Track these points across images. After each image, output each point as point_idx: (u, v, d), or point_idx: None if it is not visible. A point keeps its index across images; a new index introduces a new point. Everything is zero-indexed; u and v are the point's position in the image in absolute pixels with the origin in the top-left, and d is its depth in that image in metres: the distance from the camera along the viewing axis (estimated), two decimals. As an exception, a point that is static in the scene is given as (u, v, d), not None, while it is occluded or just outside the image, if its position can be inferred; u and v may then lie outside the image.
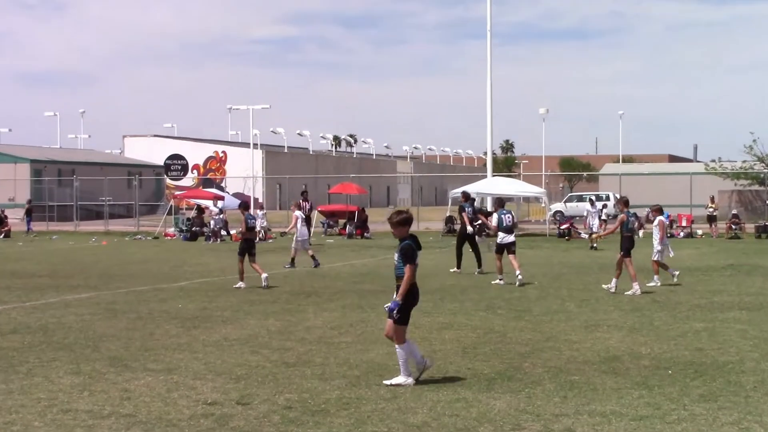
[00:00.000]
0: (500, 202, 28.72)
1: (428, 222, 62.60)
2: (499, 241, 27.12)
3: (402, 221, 13.06)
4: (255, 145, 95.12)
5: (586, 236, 47.09)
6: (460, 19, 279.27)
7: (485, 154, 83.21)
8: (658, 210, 26.52)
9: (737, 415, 11.18)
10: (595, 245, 40.73)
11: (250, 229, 26.65)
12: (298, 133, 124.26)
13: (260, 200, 77.74)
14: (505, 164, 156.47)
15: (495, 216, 27.60)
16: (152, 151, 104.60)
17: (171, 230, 58.26)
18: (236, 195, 72.43)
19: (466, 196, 32.77)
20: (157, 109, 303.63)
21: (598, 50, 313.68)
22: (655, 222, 26.24)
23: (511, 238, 26.78)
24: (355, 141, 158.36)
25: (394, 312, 12.66)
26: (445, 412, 11.42)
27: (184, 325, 18.81)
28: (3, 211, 62.65)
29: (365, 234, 54.11)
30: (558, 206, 74.38)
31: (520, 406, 11.73)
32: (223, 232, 53.63)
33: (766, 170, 69.69)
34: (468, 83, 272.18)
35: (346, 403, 11.88)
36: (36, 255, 41.91)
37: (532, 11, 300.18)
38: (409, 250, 12.88)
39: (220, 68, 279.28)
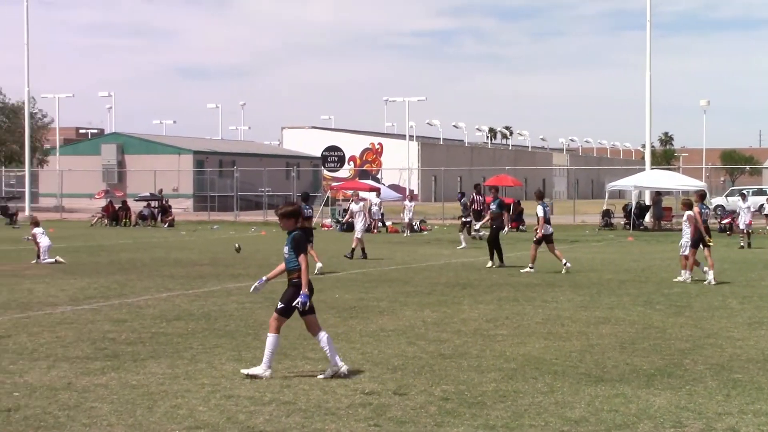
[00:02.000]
0: (540, 194, 29.77)
1: (584, 215, 62.17)
2: (544, 232, 28.02)
3: (287, 213, 12.84)
4: (411, 137, 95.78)
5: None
6: (619, 10, 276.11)
7: (643, 146, 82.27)
8: (687, 204, 25.96)
9: None
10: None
11: (307, 218, 27.15)
12: (454, 125, 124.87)
13: (415, 192, 78.14)
14: (664, 157, 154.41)
15: (540, 208, 28.09)
16: (310, 143, 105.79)
17: (327, 221, 58.94)
18: (391, 186, 72.79)
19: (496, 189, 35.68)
20: (315, 101, 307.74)
21: (763, 40, 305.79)
22: (684, 217, 25.75)
23: (551, 229, 28.21)
24: (511, 133, 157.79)
25: (306, 305, 12.64)
26: (603, 407, 11.28)
27: (341, 315, 19.06)
28: (167, 201, 64.19)
29: (520, 227, 53.85)
30: (719, 200, 73.10)
31: (680, 404, 11.53)
32: (380, 224, 54.23)
33: None
34: (626, 75, 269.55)
35: (502, 395, 11.85)
36: (198, 244, 43.11)
37: (694, 1, 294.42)
38: (301, 239, 12.81)
39: (378, 61, 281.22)
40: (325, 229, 56.92)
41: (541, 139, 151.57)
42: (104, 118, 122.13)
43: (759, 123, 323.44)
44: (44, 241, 30.80)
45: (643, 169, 63.68)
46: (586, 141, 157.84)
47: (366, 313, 19.35)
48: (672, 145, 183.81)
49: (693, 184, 61.02)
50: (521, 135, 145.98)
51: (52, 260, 30.27)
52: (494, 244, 30.51)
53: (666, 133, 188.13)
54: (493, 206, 32.21)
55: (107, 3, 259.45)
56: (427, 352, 14.92)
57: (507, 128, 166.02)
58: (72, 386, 12.17)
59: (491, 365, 13.83)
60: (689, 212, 25.31)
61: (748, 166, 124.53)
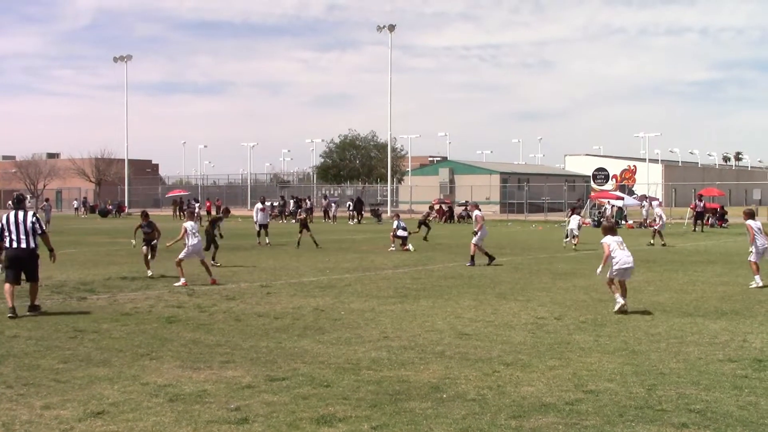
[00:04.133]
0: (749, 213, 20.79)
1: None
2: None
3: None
4: (656, 161, 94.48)
5: None
6: None
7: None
8: (748, 213, 20.12)
9: None
10: None
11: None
12: (690, 152, 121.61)
13: (660, 200, 77.53)
14: None
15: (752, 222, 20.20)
16: (585, 165, 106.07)
17: (587, 220, 59.96)
18: (640, 197, 72.55)
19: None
20: (592, 135, 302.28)
21: None
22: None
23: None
24: (738, 157, 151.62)
25: None
26: (674, 328, 12.88)
27: (554, 277, 21.02)
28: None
29: (723, 225, 53.21)
30: None
31: (727, 327, 12.81)
32: (621, 222, 54.91)
33: None
34: None
35: (618, 321, 13.82)
36: (493, 234, 44.49)
37: None
38: None
39: (653, 105, 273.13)
40: (585, 225, 57.92)
41: (759, 161, 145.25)
42: (449, 149, 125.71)
43: None
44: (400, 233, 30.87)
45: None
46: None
47: (571, 276, 21.00)
48: None
49: None
50: (741, 158, 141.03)
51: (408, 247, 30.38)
52: None
53: None
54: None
55: (469, 68, 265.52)
56: (592, 298, 16.62)
57: (738, 153, 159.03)
58: (374, 310, 15.11)
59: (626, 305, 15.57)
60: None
61: None
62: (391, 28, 75.46)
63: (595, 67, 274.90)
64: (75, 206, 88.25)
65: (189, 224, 19.76)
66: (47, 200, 60.73)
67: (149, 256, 21.34)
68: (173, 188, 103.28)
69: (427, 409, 8.07)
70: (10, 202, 15.38)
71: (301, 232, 32.13)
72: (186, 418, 7.75)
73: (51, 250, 14.86)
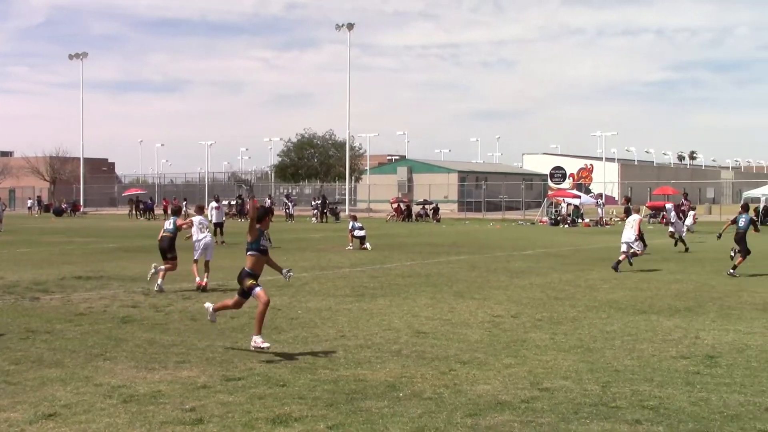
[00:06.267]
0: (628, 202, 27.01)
1: (730, 214, 60.97)
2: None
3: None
4: (612, 159, 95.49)
5: None
6: None
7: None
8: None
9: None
10: None
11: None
12: (646, 151, 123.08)
13: (615, 198, 78.39)
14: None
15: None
16: (543, 164, 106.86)
17: (545, 218, 60.50)
18: (596, 195, 73.17)
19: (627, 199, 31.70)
20: (550, 134, 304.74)
21: None
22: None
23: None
24: (692, 156, 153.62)
25: None
26: (630, 325, 13.06)
27: (511, 275, 21.06)
28: (437, 204, 66.96)
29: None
30: None
31: (680, 324, 13.02)
32: (578, 220, 55.36)
33: None
34: None
35: (575, 319, 13.95)
36: (450, 233, 45.06)
37: None
38: None
39: (610, 104, 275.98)
40: (542, 224, 58.43)
41: (712, 160, 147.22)
42: (407, 148, 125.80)
43: None
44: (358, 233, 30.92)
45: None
46: (747, 161, 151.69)
47: (528, 274, 21.17)
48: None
49: None
50: (695, 157, 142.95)
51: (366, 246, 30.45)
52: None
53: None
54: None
55: (429, 66, 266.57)
56: (546, 295, 16.83)
57: (692, 152, 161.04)
58: (330, 309, 15.06)
59: (582, 303, 15.64)
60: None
61: None
62: (350, 26, 75.36)
63: (553, 67, 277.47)
64: (29, 205, 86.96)
65: (198, 218, 18.87)
66: None
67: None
68: (130, 187, 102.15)
69: (383, 408, 8.06)
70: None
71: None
72: (140, 420, 7.66)
73: None
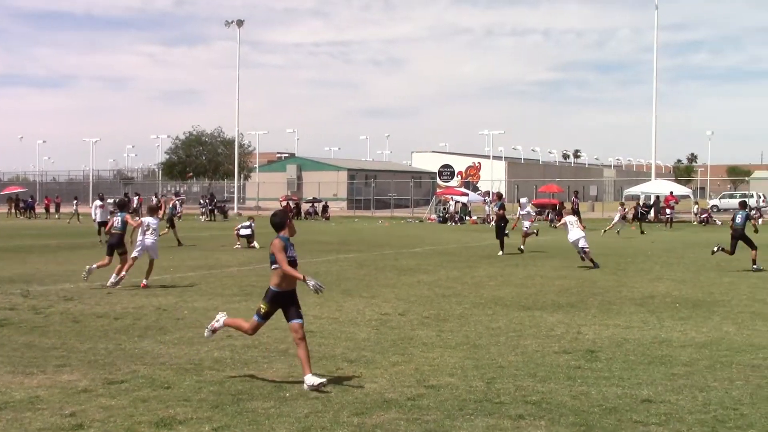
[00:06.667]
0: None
1: (612, 212, 62.89)
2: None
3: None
4: (500, 158, 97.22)
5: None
6: (680, 65, 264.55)
7: (675, 162, 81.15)
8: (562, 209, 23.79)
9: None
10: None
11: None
12: (532, 149, 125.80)
13: (503, 196, 79.72)
14: (686, 171, 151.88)
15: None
16: (431, 162, 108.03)
17: (433, 216, 61.17)
18: (484, 193, 74.39)
19: (499, 195, 30.45)
20: (439, 132, 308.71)
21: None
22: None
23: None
24: (576, 155, 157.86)
25: None
26: (514, 321, 13.52)
27: (399, 273, 21.22)
28: (326, 203, 67.01)
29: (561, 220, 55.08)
30: (715, 201, 72.87)
31: (563, 320, 13.60)
32: (466, 217, 56.20)
33: None
34: (673, 112, 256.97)
35: (461, 315, 14.11)
36: (339, 231, 45.23)
37: (738, 57, 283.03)
38: None
39: (498, 104, 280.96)
40: (430, 221, 59.07)
41: (596, 158, 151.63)
42: (296, 145, 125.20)
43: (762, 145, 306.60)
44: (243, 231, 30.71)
45: (650, 180, 64.12)
46: (629, 160, 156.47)
47: (416, 272, 21.34)
48: (696, 161, 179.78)
49: (682, 190, 60.72)
50: (580, 155, 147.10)
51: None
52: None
53: (692, 153, 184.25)
54: (495, 208, 29.72)
55: (319, 64, 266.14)
56: (435, 293, 16.96)
57: (576, 151, 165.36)
58: (218, 308, 14.76)
59: (468, 300, 15.93)
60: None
61: (747, 178, 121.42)
62: (240, 23, 74.52)
63: (442, 66, 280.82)
64: None
65: (148, 220, 18.72)
66: None
67: None
68: (9, 185, 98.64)
69: (269, 408, 8.00)
70: None
71: (170, 228, 33.13)
72: (15, 427, 7.40)
73: None
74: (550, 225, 49.22)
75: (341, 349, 11.04)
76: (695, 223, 53.72)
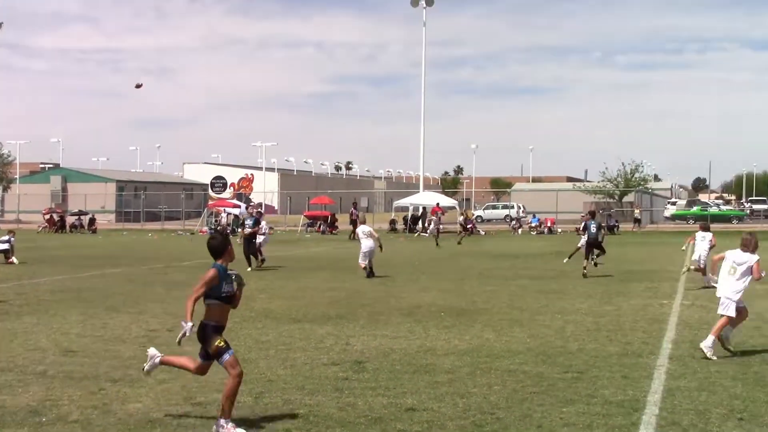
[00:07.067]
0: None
1: (382, 223, 64.55)
2: None
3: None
4: (273, 169, 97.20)
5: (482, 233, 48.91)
6: (443, 81, 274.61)
7: (442, 175, 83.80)
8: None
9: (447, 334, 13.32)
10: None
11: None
12: (305, 161, 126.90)
13: (276, 208, 79.83)
14: (453, 183, 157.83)
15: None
16: (204, 174, 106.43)
17: (204, 228, 60.27)
18: (257, 204, 74.12)
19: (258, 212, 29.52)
20: (212, 144, 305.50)
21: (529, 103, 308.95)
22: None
23: None
24: (348, 167, 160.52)
25: None
26: (283, 334, 13.43)
27: (168, 287, 20.73)
28: (93, 215, 64.68)
29: (333, 231, 56.05)
30: (479, 212, 76.24)
31: (332, 332, 13.68)
32: (238, 229, 55.71)
33: (614, 189, 71.73)
34: (441, 126, 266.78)
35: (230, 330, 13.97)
36: (106, 244, 43.79)
37: (501, 73, 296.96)
38: None
39: (271, 115, 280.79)
40: (201, 234, 58.10)
41: (366, 170, 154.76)
42: (62, 156, 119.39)
43: (521, 159, 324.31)
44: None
45: (418, 191, 66.13)
46: (398, 172, 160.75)
47: (187, 286, 20.95)
48: (462, 173, 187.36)
49: (448, 201, 62.92)
50: (351, 167, 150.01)
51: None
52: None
53: (459, 166, 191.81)
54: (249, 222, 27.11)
55: (87, 72, 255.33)
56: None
57: (348, 163, 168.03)
58: (-31, 329, 13.92)
59: (237, 314, 15.57)
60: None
61: (508, 189, 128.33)
62: (-4, 25, 70.42)
63: (215, 77, 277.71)
64: None
65: None
66: None
67: None
68: None
69: (23, 435, 7.57)
70: None
71: None
72: None
73: None
74: (350, 237, 49.72)
75: (105, 368, 10.64)
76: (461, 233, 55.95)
